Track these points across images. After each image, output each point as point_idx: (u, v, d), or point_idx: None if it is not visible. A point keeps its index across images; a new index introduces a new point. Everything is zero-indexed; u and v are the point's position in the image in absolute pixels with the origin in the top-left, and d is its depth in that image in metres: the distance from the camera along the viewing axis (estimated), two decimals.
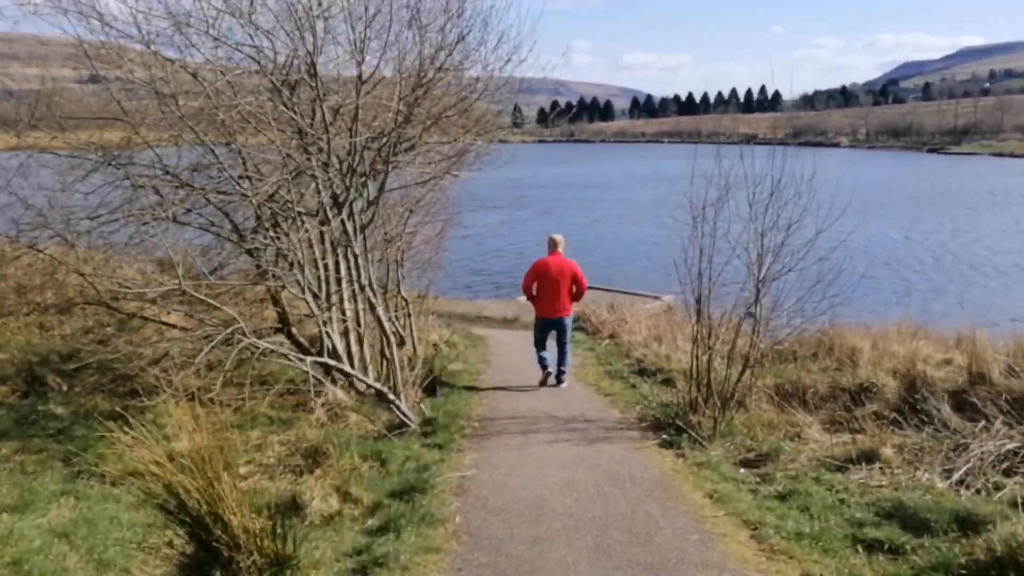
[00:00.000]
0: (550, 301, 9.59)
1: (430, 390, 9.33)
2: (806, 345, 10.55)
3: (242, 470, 6.16)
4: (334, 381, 8.11)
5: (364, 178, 7.27)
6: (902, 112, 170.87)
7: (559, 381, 9.81)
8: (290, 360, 6.38)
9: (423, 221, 12.07)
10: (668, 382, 9.91)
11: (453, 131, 7.76)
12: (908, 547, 4.50)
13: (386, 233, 10.76)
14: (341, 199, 6.93)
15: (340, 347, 8.40)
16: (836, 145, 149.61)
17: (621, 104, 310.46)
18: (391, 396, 7.11)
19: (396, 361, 7.41)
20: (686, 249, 7.85)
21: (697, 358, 7.83)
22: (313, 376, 6.80)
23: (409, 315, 11.35)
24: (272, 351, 6.33)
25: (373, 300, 7.31)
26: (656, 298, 22.24)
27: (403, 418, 7.11)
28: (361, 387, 7.78)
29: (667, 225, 40.17)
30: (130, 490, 4.88)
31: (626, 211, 47.23)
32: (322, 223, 7.25)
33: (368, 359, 8.36)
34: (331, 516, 4.76)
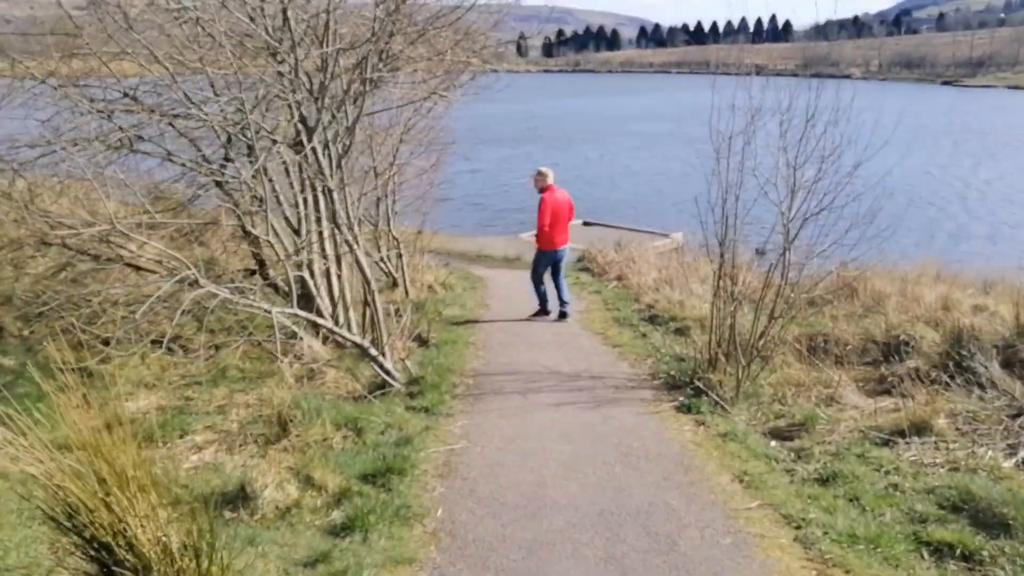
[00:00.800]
0: (561, 233, 9.55)
1: (422, 339, 8.50)
2: (826, 288, 9.65)
3: (198, 438, 5.38)
4: (316, 330, 7.28)
5: (340, 101, 6.26)
6: (916, 43, 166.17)
7: (565, 315, 9.75)
8: (254, 309, 5.50)
9: (415, 152, 11.05)
10: (682, 332, 9.06)
11: (442, 45, 6.70)
12: (986, 554, 3.69)
13: (374, 165, 9.77)
14: (312, 125, 5.94)
15: (322, 293, 7.54)
16: (848, 77, 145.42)
17: (628, 33, 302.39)
18: (372, 352, 6.27)
19: (379, 311, 6.54)
20: (708, 184, 6.89)
21: (718, 307, 6.95)
22: (286, 326, 5.95)
23: (400, 255, 10.44)
24: (232, 298, 5.44)
25: (351, 241, 6.38)
26: (665, 236, 21.30)
27: (386, 378, 6.28)
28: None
29: (681, 159, 39.06)
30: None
31: (640, 144, 45.66)
32: (297, 152, 6.28)
33: (351, 307, 7.49)
34: (287, 508, 3.96)
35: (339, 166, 6.67)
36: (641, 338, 8.85)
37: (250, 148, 7.07)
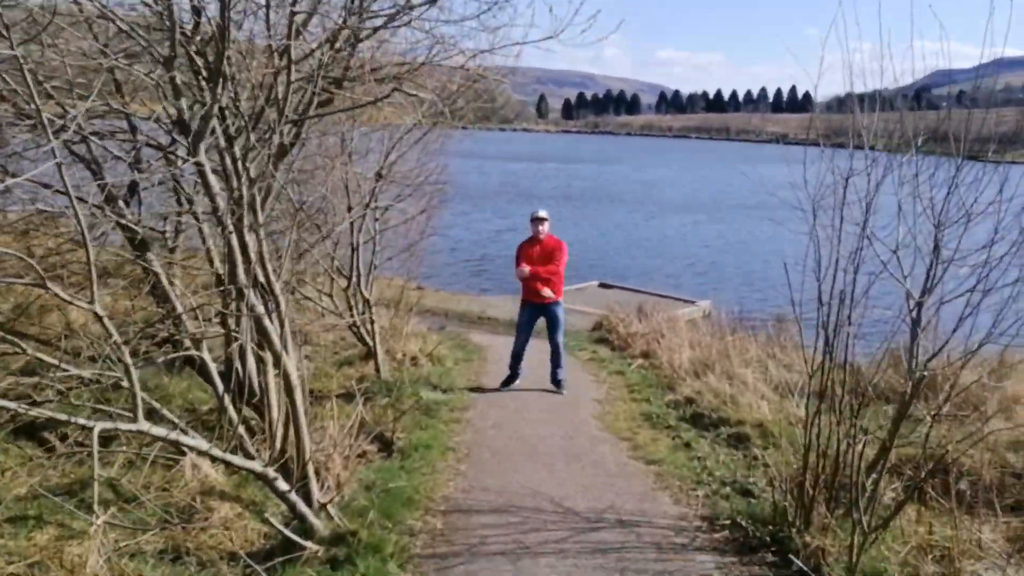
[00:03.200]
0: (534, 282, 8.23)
1: (384, 441, 6.21)
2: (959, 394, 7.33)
3: None
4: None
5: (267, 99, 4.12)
6: (938, 118, 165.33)
7: (558, 387, 8.48)
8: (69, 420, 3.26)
9: (403, 195, 8.93)
10: (739, 441, 6.74)
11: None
12: None
13: (348, 205, 7.64)
14: (198, 124, 3.76)
15: (248, 376, 5.30)
16: (872, 148, 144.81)
17: (648, 99, 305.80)
18: (280, 485, 3.96)
19: (300, 413, 4.27)
20: (807, 252, 4.70)
21: (819, 425, 4.62)
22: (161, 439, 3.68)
23: (372, 320, 8.19)
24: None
25: (264, 309, 4.15)
26: (691, 303, 19.09)
27: (292, 536, 3.96)
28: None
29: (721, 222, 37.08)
30: None
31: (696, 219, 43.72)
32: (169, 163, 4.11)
33: (278, 404, 5.20)
34: None
35: (262, 199, 4.50)
36: (684, 449, 6.50)
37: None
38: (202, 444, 3.63)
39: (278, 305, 4.40)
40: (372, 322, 8.16)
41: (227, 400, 4.69)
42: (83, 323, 6.53)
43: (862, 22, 4.91)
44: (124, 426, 3.41)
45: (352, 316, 8.48)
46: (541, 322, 8.45)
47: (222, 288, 4.79)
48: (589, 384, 9.14)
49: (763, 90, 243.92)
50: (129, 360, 3.44)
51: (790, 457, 5.72)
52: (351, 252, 8.37)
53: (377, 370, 7.99)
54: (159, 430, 3.48)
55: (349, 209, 7.73)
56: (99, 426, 3.29)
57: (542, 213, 8.26)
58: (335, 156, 6.70)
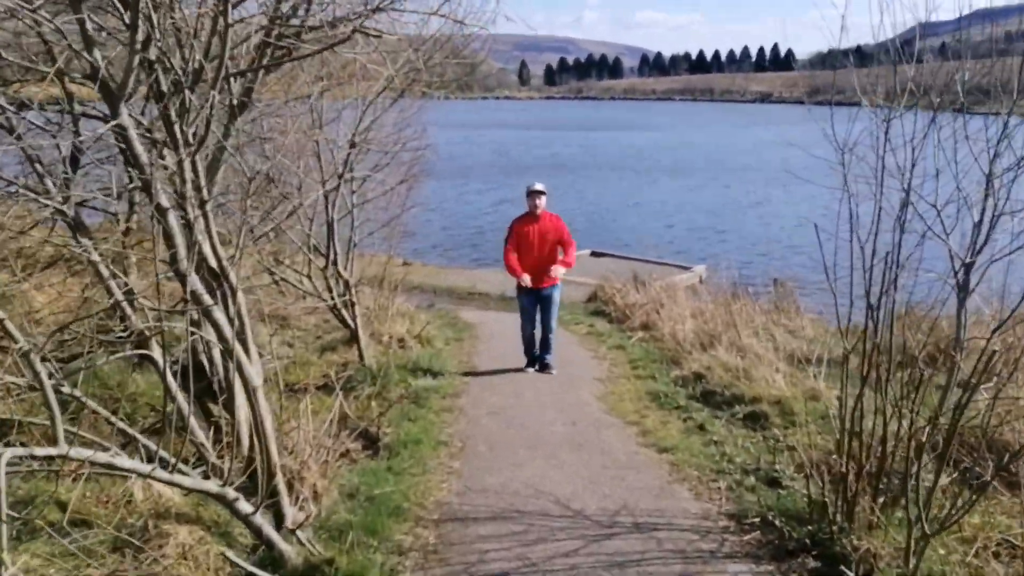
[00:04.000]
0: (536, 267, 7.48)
1: (369, 438, 5.62)
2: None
3: None
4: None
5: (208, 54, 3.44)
6: (920, 71, 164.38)
7: (545, 368, 7.84)
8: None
9: (380, 164, 8.23)
10: (755, 421, 6.18)
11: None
12: None
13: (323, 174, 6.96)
14: (116, 81, 3.09)
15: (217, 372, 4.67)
16: (857, 104, 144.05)
17: (630, 62, 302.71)
18: (242, 507, 3.36)
19: (266, 423, 3.65)
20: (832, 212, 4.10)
21: (860, 406, 4.04)
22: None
23: (353, 303, 7.56)
24: None
25: (207, 297, 3.52)
26: (686, 268, 18.55)
27: (271, 548, 3.37)
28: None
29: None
30: None
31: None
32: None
33: (243, 407, 4.57)
34: None
35: (208, 168, 3.85)
36: (698, 433, 5.93)
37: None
38: (141, 468, 3.01)
39: (233, 293, 3.77)
40: (353, 304, 7.52)
41: (183, 403, 4.06)
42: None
43: None
44: (40, 452, 2.79)
45: (332, 298, 7.83)
46: None
47: (171, 274, 4.14)
48: (588, 361, 8.57)
49: (745, 49, 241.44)
50: (40, 368, 2.81)
51: (817, 439, 5.17)
52: (327, 228, 7.69)
53: (360, 357, 7.38)
54: (83, 452, 2.86)
55: (324, 183, 7.04)
56: (8, 454, 2.66)
57: (539, 186, 7.52)
58: (304, 124, 5.98)
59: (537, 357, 7.84)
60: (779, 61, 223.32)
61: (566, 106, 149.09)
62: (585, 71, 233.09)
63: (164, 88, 3.37)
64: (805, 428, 5.27)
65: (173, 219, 3.29)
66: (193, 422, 4.14)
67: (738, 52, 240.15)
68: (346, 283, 7.33)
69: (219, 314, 3.51)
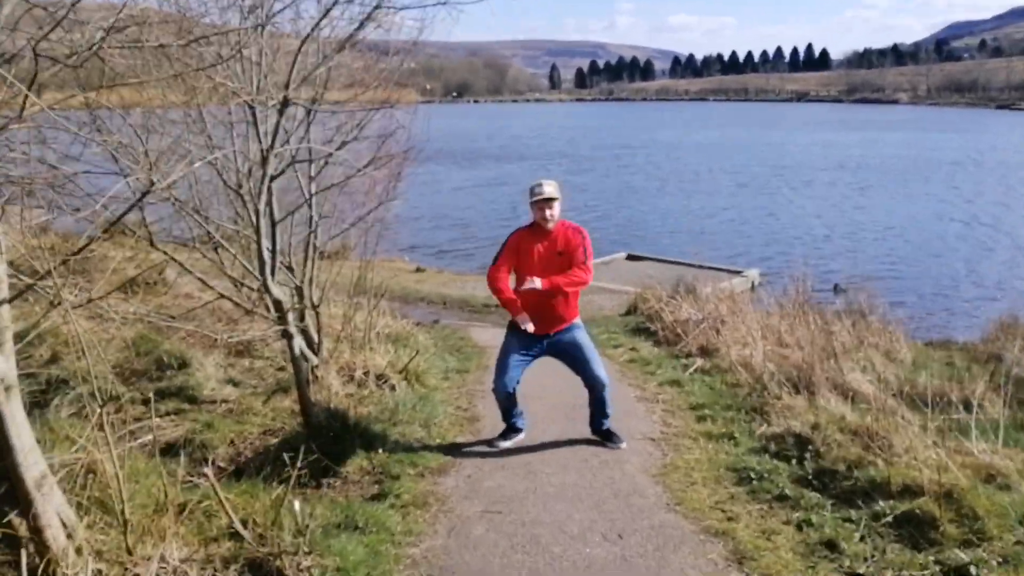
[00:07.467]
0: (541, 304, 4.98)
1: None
2: None
3: None
4: None
5: None
6: (965, 68, 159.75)
7: (609, 438, 5.16)
8: None
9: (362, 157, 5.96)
10: (917, 526, 3.77)
11: None
12: None
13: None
14: None
15: None
16: (895, 102, 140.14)
17: (661, 65, 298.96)
18: None
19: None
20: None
21: None
22: None
23: (303, 329, 5.27)
24: None
25: None
26: (736, 273, 16.20)
27: None
28: None
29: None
30: None
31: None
32: None
33: None
34: None
35: None
36: (827, 553, 3.54)
37: None
38: None
39: None
40: (303, 331, 5.23)
41: None
42: None
43: None
44: None
45: (279, 319, 5.53)
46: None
47: None
48: (634, 406, 6.21)
49: (779, 49, 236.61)
50: None
51: None
52: (270, 228, 5.41)
53: (304, 413, 5.07)
54: None
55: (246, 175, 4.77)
56: None
57: (548, 189, 4.87)
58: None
59: (591, 420, 5.28)
60: (812, 61, 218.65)
61: (598, 108, 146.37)
62: (616, 73, 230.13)
63: None
64: (999, 543, 2.90)
65: None
66: None
67: (771, 53, 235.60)
68: (277, 303, 5.00)
69: None
